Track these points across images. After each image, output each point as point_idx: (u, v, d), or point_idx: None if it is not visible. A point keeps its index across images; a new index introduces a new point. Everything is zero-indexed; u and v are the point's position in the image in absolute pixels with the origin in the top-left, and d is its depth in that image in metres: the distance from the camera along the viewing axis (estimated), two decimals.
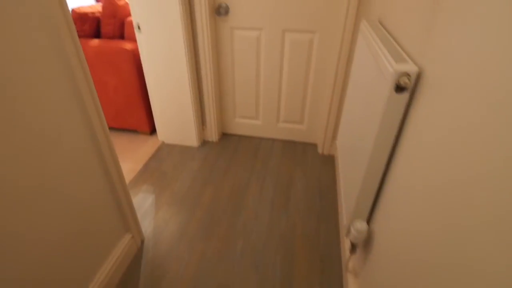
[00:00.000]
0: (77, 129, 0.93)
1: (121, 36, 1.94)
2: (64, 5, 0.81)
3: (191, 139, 2.06)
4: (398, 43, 0.90)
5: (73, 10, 1.79)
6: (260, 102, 2.01)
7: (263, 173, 1.84)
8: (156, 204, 1.60)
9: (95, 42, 1.86)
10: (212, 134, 2.11)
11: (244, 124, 2.14)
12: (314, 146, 2.10)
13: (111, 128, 2.27)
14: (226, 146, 2.10)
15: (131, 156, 1.99)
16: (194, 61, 1.81)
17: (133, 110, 2.06)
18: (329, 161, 1.96)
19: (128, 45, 1.83)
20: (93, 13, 1.86)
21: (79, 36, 1.92)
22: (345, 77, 1.70)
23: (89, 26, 1.87)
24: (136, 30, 1.69)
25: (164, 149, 2.07)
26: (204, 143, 2.13)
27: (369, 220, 0.97)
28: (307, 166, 1.90)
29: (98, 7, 1.92)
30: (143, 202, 1.62)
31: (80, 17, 1.81)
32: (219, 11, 1.69)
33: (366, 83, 1.00)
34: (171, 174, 1.82)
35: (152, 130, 2.22)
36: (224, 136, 2.21)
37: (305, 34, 1.70)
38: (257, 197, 1.66)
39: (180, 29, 1.62)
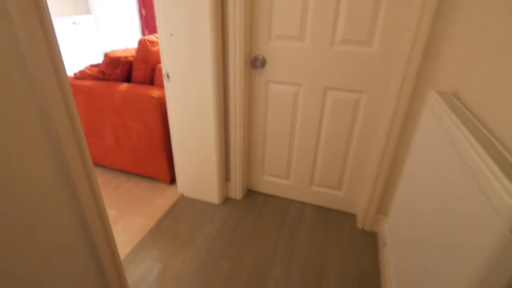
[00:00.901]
0: (64, 217, 0.75)
1: (151, 82, 1.86)
2: (61, 75, 0.66)
3: (212, 195, 1.85)
4: (500, 142, 0.63)
5: (106, 54, 1.74)
6: (292, 161, 1.78)
7: (290, 249, 1.55)
8: (162, 279, 1.36)
9: (123, 86, 1.78)
10: (236, 191, 1.89)
11: (273, 183, 1.90)
12: (352, 216, 1.79)
13: (131, 173, 2.14)
14: (250, 206, 1.85)
15: (146, 208, 1.81)
16: (223, 112, 1.65)
17: (155, 157, 1.91)
18: (371, 240, 1.63)
19: (155, 92, 1.72)
20: (126, 57, 1.80)
21: (110, 80, 1.86)
22: (398, 148, 1.43)
23: (120, 70, 1.81)
24: (164, 78, 1.58)
25: (182, 203, 1.87)
26: (226, 200, 1.90)
27: None
28: (344, 244, 1.59)
29: (133, 51, 1.87)
30: (148, 273, 1.39)
31: (112, 61, 1.75)
32: (255, 64, 1.54)
33: (443, 179, 0.73)
34: (185, 238, 1.60)
35: (172, 180, 2.05)
36: (249, 193, 1.98)
37: (350, 94, 1.47)
38: (281, 283, 1.36)
39: (211, 80, 1.48)
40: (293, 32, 1.43)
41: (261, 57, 1.53)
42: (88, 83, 1.85)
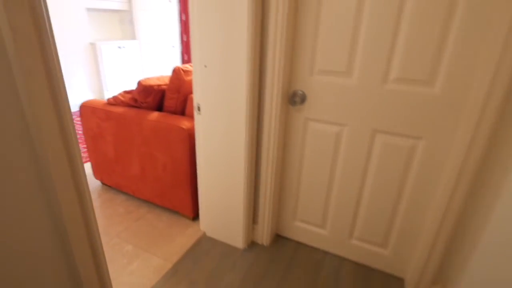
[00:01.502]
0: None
1: (182, 112, 1.77)
2: (64, 118, 0.55)
3: (237, 238, 1.66)
4: None
5: (139, 81, 1.69)
6: (329, 208, 1.56)
7: None
8: None
9: (154, 115, 1.71)
10: (264, 236, 1.69)
11: (306, 230, 1.68)
12: (399, 281, 1.50)
13: (154, 205, 2.03)
14: (278, 255, 1.64)
15: (165, 246, 1.66)
16: (255, 150, 1.50)
17: (179, 191, 1.79)
18: None
19: (185, 123, 1.62)
20: (159, 85, 1.74)
21: (142, 107, 1.81)
22: (468, 205, 1.17)
23: (152, 98, 1.75)
24: (195, 110, 1.47)
25: (204, 244, 1.70)
26: (251, 245, 1.71)
27: None
28: None
29: (167, 79, 1.81)
30: None
31: (145, 89, 1.70)
32: (294, 100, 1.39)
33: None
34: None
35: (196, 216, 1.90)
36: (278, 239, 1.77)
37: (404, 139, 1.26)
38: None
39: (244, 115, 1.34)
40: (339, 67, 1.27)
41: (300, 92, 1.38)
42: (120, 109, 1.81)
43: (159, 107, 1.84)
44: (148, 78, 1.73)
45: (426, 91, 1.15)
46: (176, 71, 1.65)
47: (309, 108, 1.40)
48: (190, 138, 1.62)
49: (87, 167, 2.49)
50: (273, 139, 1.44)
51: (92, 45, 4.31)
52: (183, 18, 5.03)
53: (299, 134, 1.47)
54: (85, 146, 2.20)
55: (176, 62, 5.20)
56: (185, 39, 5.15)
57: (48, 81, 0.52)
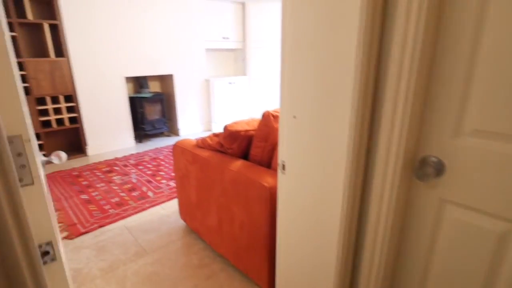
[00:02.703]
0: None
1: (269, 163, 1.50)
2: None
3: None
4: None
5: (225, 126, 1.53)
6: None
7: None
8: None
9: (236, 165, 1.49)
10: None
11: None
12: None
13: (229, 262, 1.78)
14: None
15: None
16: (355, 229, 1.07)
17: (254, 255, 1.48)
18: None
19: (268, 180, 1.33)
20: (246, 131, 1.53)
21: (228, 153, 1.63)
22: None
23: (238, 144, 1.55)
24: (279, 169, 1.17)
25: None
26: None
27: None
28: None
29: (257, 124, 1.60)
30: None
31: (231, 135, 1.52)
32: (423, 171, 0.92)
33: None
34: None
35: None
36: None
37: None
38: None
39: (341, 182, 0.95)
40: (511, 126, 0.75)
41: (434, 160, 0.90)
42: (206, 153, 1.68)
43: (245, 154, 1.63)
44: (236, 122, 1.55)
45: None
46: (265, 117, 1.41)
47: (449, 185, 0.90)
48: (271, 198, 1.32)
49: (175, 203, 2.49)
50: (384, 220, 0.99)
51: (207, 81, 4.68)
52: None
53: (428, 220, 0.97)
54: (175, 182, 2.20)
55: None
56: None
57: None
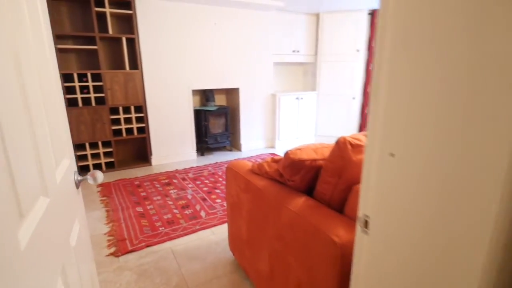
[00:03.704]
0: None
1: (340, 207, 1.13)
2: None
3: None
4: None
5: (287, 153, 1.21)
6: None
7: None
8: None
9: (298, 202, 1.16)
10: None
11: None
12: None
13: None
14: None
15: None
16: None
17: None
18: None
19: (340, 232, 0.97)
20: (314, 160, 1.20)
21: (287, 185, 1.31)
22: None
23: (301, 177, 1.22)
24: (359, 225, 0.80)
25: None
26: None
27: None
28: None
29: (327, 153, 1.25)
30: None
31: (293, 165, 1.20)
32: None
33: None
34: None
35: None
36: None
37: None
38: None
39: (478, 271, 0.55)
40: None
41: None
42: (261, 182, 1.39)
43: (310, 189, 1.29)
44: (301, 149, 1.22)
45: None
46: (340, 145, 1.06)
47: None
48: (344, 260, 0.95)
49: (226, 228, 2.25)
50: None
51: (273, 96, 4.46)
52: (371, 68, 4.48)
53: None
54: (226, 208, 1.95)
55: (355, 115, 4.64)
56: (368, 90, 4.55)
57: None
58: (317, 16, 4.55)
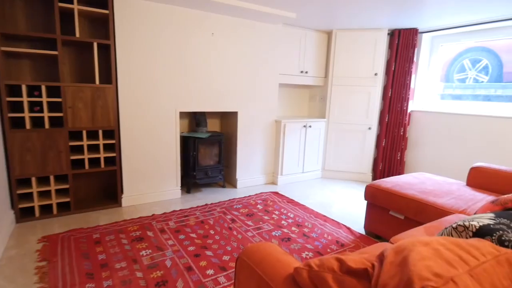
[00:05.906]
0: None
1: None
2: None
3: None
4: None
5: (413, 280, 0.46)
6: None
7: None
8: None
9: None
10: None
11: None
12: None
13: None
14: None
15: None
16: None
17: None
18: None
19: None
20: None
21: None
22: None
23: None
24: None
25: None
26: None
27: None
28: None
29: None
30: None
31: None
32: None
33: None
34: None
35: None
36: None
37: None
38: None
39: None
40: None
41: None
42: None
43: None
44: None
45: None
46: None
47: None
48: None
49: None
50: None
51: (277, 122, 3.76)
52: (390, 94, 3.88)
53: None
54: None
55: (370, 147, 3.98)
56: (387, 119, 3.92)
57: None
58: (329, 33, 3.98)
